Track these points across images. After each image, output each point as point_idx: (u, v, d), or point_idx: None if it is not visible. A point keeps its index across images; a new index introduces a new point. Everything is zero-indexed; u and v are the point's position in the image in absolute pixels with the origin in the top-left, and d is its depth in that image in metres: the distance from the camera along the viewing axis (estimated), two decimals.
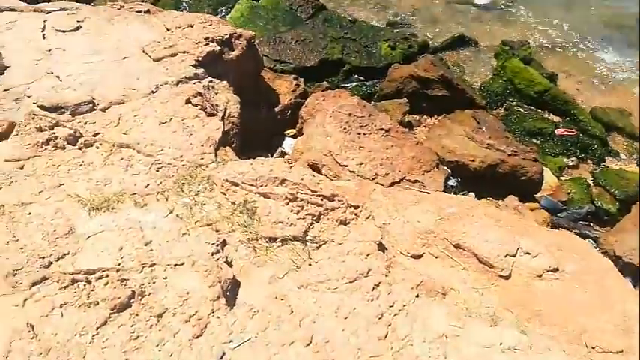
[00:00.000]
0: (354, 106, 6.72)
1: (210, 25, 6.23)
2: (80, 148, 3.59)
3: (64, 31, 6.29)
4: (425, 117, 8.44)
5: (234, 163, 3.81)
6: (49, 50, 5.77)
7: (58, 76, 4.69)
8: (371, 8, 11.93)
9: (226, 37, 5.95)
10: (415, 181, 6.17)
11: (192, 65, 5.29)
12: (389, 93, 8.39)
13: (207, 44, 5.55)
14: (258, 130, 6.73)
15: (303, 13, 10.19)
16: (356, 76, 9.40)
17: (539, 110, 9.02)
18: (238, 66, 6.03)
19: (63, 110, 4.11)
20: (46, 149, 3.53)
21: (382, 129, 6.54)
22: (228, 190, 3.52)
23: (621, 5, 12.60)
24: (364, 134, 6.50)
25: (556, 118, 8.97)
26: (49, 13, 6.70)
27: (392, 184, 5.97)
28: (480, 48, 10.83)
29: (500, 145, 6.99)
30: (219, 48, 5.58)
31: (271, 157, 6.95)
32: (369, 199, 4.15)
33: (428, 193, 4.76)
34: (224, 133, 4.11)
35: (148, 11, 6.89)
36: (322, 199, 3.61)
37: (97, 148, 3.60)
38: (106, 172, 3.52)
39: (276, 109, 7.20)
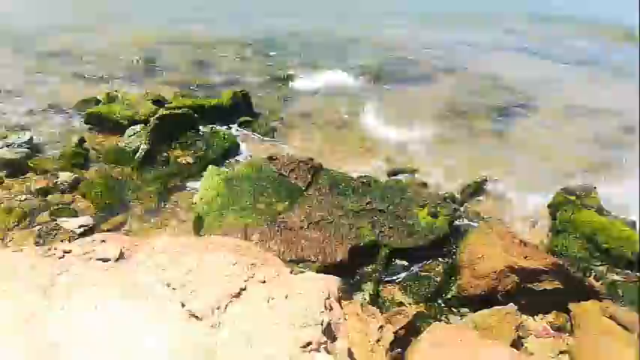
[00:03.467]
0: None
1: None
2: None
3: None
4: (527, 318, 5.86)
5: None
6: None
7: None
8: (354, 158, 9.61)
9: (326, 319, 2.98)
10: None
11: None
12: (476, 295, 5.75)
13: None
14: None
15: (299, 180, 7.50)
16: (397, 261, 6.71)
17: None
18: None
19: None
20: None
21: None
22: None
23: None
24: None
25: None
26: None
27: None
28: (510, 193, 8.86)
29: None
30: None
31: None
32: None
33: None
34: None
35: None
36: None
37: None
38: None
39: None
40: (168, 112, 8.37)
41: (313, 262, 6.19)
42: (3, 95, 10.57)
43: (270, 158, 7.80)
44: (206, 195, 7.03)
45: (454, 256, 6.57)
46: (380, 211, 7.11)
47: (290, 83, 12.45)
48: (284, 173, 7.57)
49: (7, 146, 8.10)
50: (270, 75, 13.01)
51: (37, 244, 6.44)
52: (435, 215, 7.15)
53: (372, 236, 6.69)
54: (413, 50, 15.65)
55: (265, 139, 9.49)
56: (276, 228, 6.50)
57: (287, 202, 7.06)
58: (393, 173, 9.03)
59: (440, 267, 6.69)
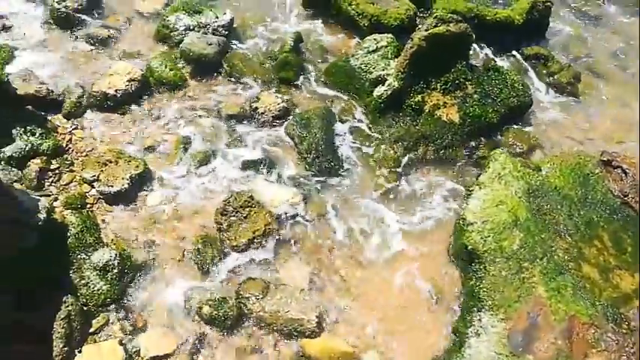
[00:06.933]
0: None
1: None
2: None
3: None
4: None
5: None
6: None
7: None
8: None
9: None
10: None
11: None
12: None
13: None
14: None
15: None
16: None
17: None
18: None
19: None
20: None
21: None
22: None
23: None
24: None
25: None
26: None
27: None
28: None
29: None
30: None
31: None
32: None
33: None
34: None
35: None
36: None
37: None
38: None
39: None
40: (439, 29, 5.00)
41: None
42: None
43: (607, 163, 4.33)
44: (492, 215, 3.96)
45: None
46: None
47: None
48: (629, 200, 4.14)
49: (201, 29, 5.55)
50: None
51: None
52: None
53: None
54: None
55: (562, 95, 5.85)
56: (630, 343, 3.38)
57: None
58: None
59: None
